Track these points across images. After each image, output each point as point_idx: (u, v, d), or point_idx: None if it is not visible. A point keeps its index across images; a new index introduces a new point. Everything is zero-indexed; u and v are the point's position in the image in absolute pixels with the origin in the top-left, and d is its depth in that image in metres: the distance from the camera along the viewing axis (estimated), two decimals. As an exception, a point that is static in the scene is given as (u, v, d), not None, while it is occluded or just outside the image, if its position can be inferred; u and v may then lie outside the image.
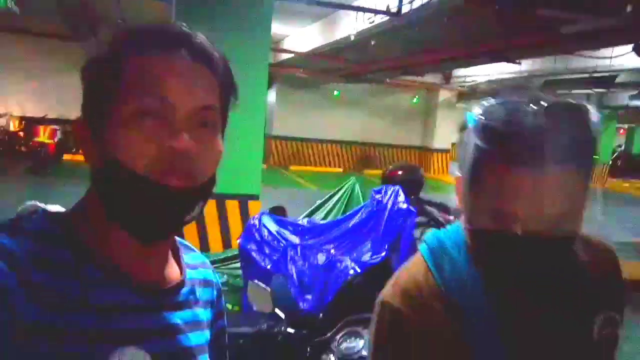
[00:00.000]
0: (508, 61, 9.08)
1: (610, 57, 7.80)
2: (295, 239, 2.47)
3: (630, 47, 7.07)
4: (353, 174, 15.35)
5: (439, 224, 5.70)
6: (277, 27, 12.12)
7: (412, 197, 5.67)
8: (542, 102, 0.67)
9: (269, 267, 2.50)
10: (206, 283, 0.76)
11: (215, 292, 0.78)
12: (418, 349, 0.78)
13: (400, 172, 5.85)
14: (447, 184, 14.55)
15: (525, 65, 11.53)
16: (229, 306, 2.83)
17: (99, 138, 0.60)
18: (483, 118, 0.70)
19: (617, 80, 11.50)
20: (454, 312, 0.78)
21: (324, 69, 13.68)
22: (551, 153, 0.64)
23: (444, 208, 5.82)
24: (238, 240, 2.63)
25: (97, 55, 0.61)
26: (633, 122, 22.97)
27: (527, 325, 0.77)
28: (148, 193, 0.58)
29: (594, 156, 0.70)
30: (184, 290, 0.70)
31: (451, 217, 5.74)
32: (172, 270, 0.70)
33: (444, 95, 17.69)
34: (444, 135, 18.05)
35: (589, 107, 0.69)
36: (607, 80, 11.01)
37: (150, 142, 0.58)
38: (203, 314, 0.73)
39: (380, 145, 17.92)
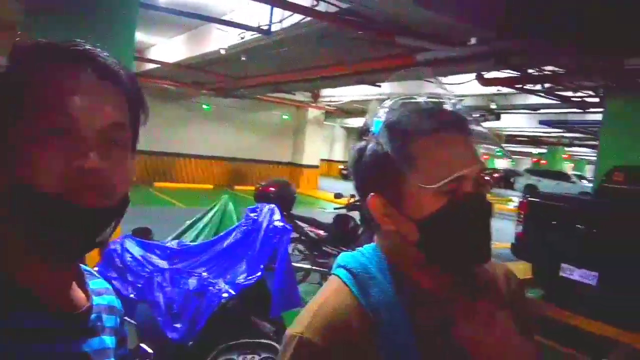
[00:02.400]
0: (370, 84, 9.69)
1: (458, 84, 8.75)
2: (163, 264, 2.28)
3: (473, 75, 8.04)
4: (224, 191, 15.01)
5: (310, 239, 5.84)
6: (143, 36, 11.50)
7: (285, 212, 5.74)
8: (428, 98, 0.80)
9: (132, 295, 2.27)
10: (111, 310, 0.75)
11: (119, 319, 0.77)
12: None
13: (272, 189, 5.89)
14: (317, 199, 14.98)
15: (385, 88, 12.45)
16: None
17: (2, 159, 0.56)
18: (403, 111, 0.77)
19: (463, 103, 12.94)
20: (383, 339, 0.74)
21: (193, 81, 13.26)
22: (464, 117, 0.78)
23: (314, 223, 5.98)
24: (95, 268, 2.35)
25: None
26: (477, 142, 26.02)
27: (452, 345, 0.75)
28: (59, 213, 0.56)
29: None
30: (92, 316, 0.68)
31: (321, 232, 5.92)
32: (79, 296, 0.68)
33: (312, 113, 18.29)
34: (313, 151, 18.64)
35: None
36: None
37: (58, 161, 0.56)
38: (109, 341, 0.71)
39: (252, 161, 17.85)
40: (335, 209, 6.63)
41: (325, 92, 15.94)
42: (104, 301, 0.74)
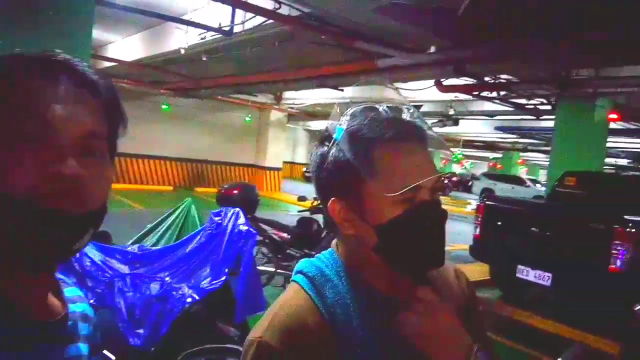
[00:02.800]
0: (332, 87, 9.76)
1: (417, 90, 8.95)
2: (123, 268, 2.23)
3: (432, 81, 8.25)
4: (185, 192, 14.73)
5: (274, 242, 5.82)
6: (100, 33, 11.16)
7: (249, 215, 5.69)
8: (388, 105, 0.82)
9: (92, 301, 2.20)
10: (85, 318, 0.75)
11: (92, 327, 0.77)
12: None
13: (236, 191, 5.83)
14: (280, 202, 14.94)
15: (347, 92, 12.57)
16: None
17: None
18: (364, 119, 0.79)
19: (422, 109, 13.24)
20: (339, 341, 0.76)
21: (152, 80, 12.97)
22: (422, 126, 0.81)
23: (278, 226, 5.96)
24: (52, 273, 2.27)
25: None
26: (435, 147, 26.61)
27: (406, 349, 0.78)
28: (36, 220, 0.56)
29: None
30: (69, 324, 0.69)
31: (285, 235, 5.92)
32: (55, 304, 0.68)
33: (275, 115, 18.23)
34: (276, 153, 18.58)
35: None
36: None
37: (35, 168, 0.56)
38: (84, 348, 0.72)
39: (213, 162, 17.61)
40: (298, 211, 6.63)
41: (287, 94, 15.93)
42: (78, 309, 0.75)
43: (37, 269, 0.63)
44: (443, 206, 0.83)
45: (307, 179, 10.30)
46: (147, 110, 15.61)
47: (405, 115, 0.81)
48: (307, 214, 6.34)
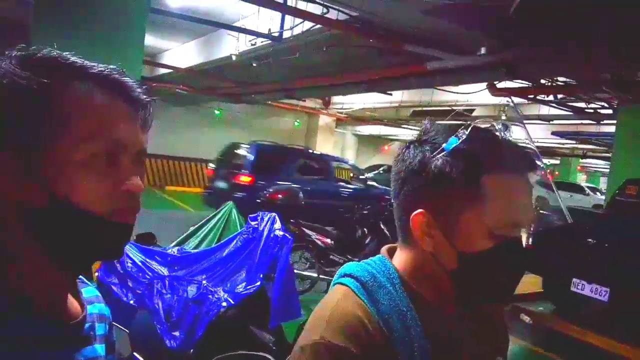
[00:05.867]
0: (380, 91, 9.65)
1: (468, 93, 8.70)
2: (163, 270, 2.27)
3: (484, 85, 7.99)
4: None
5: (317, 247, 5.81)
6: (156, 41, 11.63)
7: (293, 220, 5.72)
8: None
9: (132, 302, 2.26)
10: (101, 318, 0.77)
11: (107, 326, 0.79)
12: None
13: (280, 195, 5.89)
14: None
15: (396, 96, 12.40)
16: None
17: (34, 174, 0.59)
18: (481, 138, 0.75)
19: (474, 114, 12.87)
20: (394, 346, 0.73)
21: (205, 86, 13.36)
22: (533, 157, 0.79)
23: (321, 231, 5.95)
24: (96, 274, 2.35)
25: (23, 85, 0.58)
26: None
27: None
28: (110, 232, 0.62)
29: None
30: (86, 325, 0.70)
31: (328, 240, 5.89)
32: (75, 305, 0.70)
33: (323, 120, 18.29)
34: (325, 158, 18.62)
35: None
36: (465, 114, 12.25)
37: (107, 184, 0.61)
38: (100, 349, 0.73)
39: (262, 166, 17.86)
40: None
41: (336, 99, 15.94)
42: (95, 309, 0.76)
43: (82, 270, 0.71)
44: None
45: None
46: (201, 116, 16.11)
47: (521, 142, 0.80)
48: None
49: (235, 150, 9.24)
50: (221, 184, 8.71)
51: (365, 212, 6.29)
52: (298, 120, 18.03)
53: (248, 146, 8.75)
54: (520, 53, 5.41)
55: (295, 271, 5.81)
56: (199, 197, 12.68)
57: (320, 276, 5.40)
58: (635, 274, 4.83)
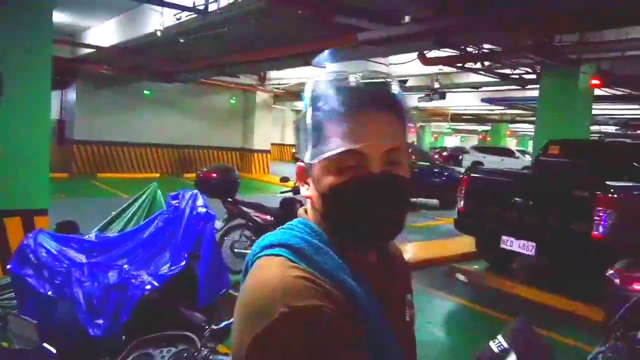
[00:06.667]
0: (315, 65, 9.57)
1: (401, 63, 8.80)
2: (81, 258, 2.15)
3: (415, 55, 8.10)
4: (173, 178, 14.58)
5: (256, 224, 5.75)
6: (75, 19, 10.89)
7: (230, 199, 5.61)
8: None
9: (50, 293, 2.12)
10: None
11: None
12: (344, 337, 0.67)
13: (214, 174, 5.73)
14: (268, 184, 14.86)
15: (331, 69, 12.36)
16: (5, 344, 2.35)
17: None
18: (327, 88, 0.76)
19: (407, 84, 13.10)
20: (352, 299, 0.72)
21: (133, 66, 12.72)
22: (381, 95, 0.78)
23: (260, 208, 5.88)
24: (8, 266, 2.19)
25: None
26: (422, 122, 26.58)
27: (389, 303, 0.79)
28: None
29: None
30: None
31: (268, 217, 5.84)
32: None
33: (260, 96, 18.01)
34: (264, 135, 18.42)
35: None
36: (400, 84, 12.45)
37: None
38: None
39: (200, 147, 17.41)
40: (281, 192, 6.55)
41: (272, 74, 15.71)
42: None
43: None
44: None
45: (297, 160, 10.13)
46: (129, 97, 15.35)
47: (370, 85, 0.78)
48: (290, 194, 6.26)
49: None
50: None
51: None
52: (234, 98, 17.64)
53: None
54: (448, 22, 5.50)
55: (236, 250, 5.76)
56: (132, 183, 12.19)
57: (261, 253, 5.36)
58: (558, 228, 5.15)
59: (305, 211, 0.84)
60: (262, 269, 0.73)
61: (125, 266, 2.07)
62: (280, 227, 0.82)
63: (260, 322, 0.64)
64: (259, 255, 0.77)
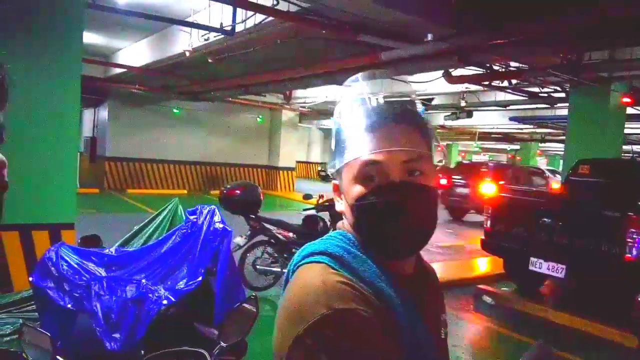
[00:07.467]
0: (339, 84, 9.63)
1: (425, 82, 8.77)
2: (100, 271, 2.17)
3: (441, 73, 8.06)
4: (200, 195, 14.75)
5: (279, 241, 5.75)
6: (110, 40, 11.29)
7: (253, 215, 5.63)
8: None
9: (69, 306, 2.15)
10: None
11: None
12: (377, 339, 0.69)
13: (238, 191, 5.77)
14: (293, 201, 14.89)
15: (356, 88, 12.38)
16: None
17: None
18: (352, 107, 0.83)
19: (434, 102, 13.03)
20: (388, 307, 0.74)
21: (162, 85, 13.06)
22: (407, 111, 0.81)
23: (282, 225, 5.89)
24: (30, 279, 2.23)
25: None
26: (449, 140, 26.32)
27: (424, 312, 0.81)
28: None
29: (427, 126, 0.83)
30: None
31: (290, 234, 5.84)
32: None
33: (286, 115, 18.18)
34: (289, 153, 18.54)
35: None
36: (425, 103, 12.39)
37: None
38: None
39: (226, 165, 17.64)
40: (304, 210, 6.55)
41: (298, 93, 15.86)
42: None
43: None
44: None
45: (323, 178, 10.21)
46: (159, 115, 15.73)
47: (390, 102, 0.82)
48: (313, 212, 6.25)
49: None
50: None
51: (326, 203, 6.27)
52: (261, 116, 17.85)
53: None
54: (469, 39, 5.47)
55: (258, 267, 5.76)
56: (160, 199, 12.39)
57: (284, 270, 5.35)
58: (589, 250, 4.97)
59: (343, 226, 0.87)
60: (304, 275, 0.76)
61: (143, 281, 2.08)
62: (320, 238, 0.84)
63: (301, 323, 0.67)
64: (300, 263, 0.79)
